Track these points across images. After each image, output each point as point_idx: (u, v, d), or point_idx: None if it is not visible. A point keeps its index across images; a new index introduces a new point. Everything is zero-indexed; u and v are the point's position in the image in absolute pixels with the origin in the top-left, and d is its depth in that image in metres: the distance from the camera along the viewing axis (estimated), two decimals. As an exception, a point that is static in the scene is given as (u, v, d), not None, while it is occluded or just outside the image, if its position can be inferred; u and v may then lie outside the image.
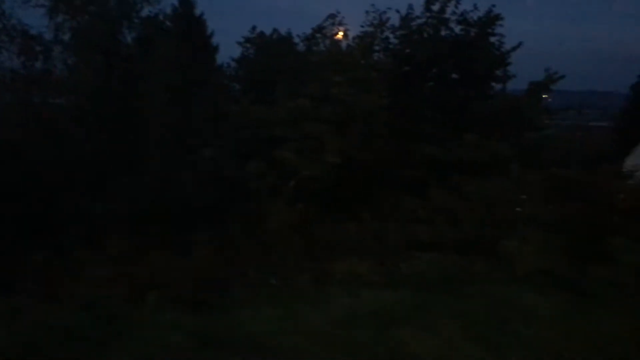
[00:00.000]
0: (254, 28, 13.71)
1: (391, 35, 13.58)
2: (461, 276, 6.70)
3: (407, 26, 13.32)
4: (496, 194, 9.13)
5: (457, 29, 13.04)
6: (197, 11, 14.22)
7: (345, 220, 9.56)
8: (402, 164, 10.79)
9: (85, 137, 11.44)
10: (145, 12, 12.88)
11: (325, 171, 10.26)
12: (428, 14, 13.11)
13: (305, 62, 13.04)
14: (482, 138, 11.00)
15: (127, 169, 10.68)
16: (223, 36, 15.96)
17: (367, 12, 13.43)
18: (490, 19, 12.73)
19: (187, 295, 6.01)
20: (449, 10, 12.90)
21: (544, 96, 13.65)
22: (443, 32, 13.10)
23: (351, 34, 13.75)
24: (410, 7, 13.20)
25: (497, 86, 13.58)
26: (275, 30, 13.85)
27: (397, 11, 13.50)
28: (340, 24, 13.50)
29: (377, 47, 13.49)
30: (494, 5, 12.84)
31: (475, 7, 12.86)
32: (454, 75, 13.43)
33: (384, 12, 13.28)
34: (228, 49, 14.38)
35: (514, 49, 13.07)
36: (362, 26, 13.50)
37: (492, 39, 13.14)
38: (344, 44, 13.51)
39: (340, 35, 14.09)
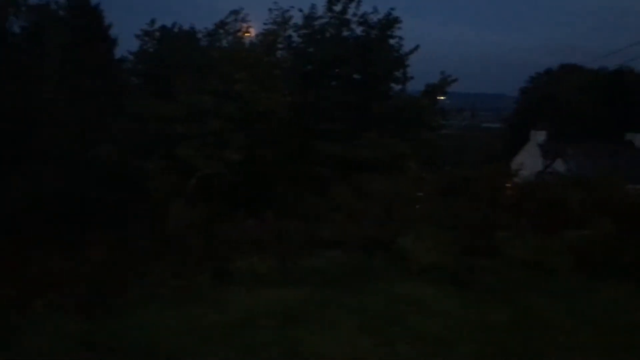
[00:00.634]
0: (152, 21, 13.29)
1: (294, 34, 13.69)
2: (360, 273, 6.83)
3: (310, 25, 13.46)
4: (395, 192, 9.41)
5: (359, 30, 13.36)
6: (94, 1, 13.55)
7: (247, 219, 9.49)
8: (305, 161, 10.89)
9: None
10: (34, -1, 12.10)
11: (227, 169, 10.15)
12: (330, 14, 13.32)
13: (208, 58, 12.82)
14: (382, 137, 11.34)
15: (14, 166, 10.00)
16: (125, 28, 15.33)
17: (270, 9, 13.45)
18: (390, 22, 13.15)
19: (78, 298, 5.70)
20: (350, 11, 13.19)
21: (440, 98, 14.30)
22: (345, 33, 13.36)
23: (254, 31, 13.71)
24: (313, 6, 13.36)
25: (397, 87, 14.08)
26: (175, 24, 13.50)
27: (300, 10, 13.63)
28: (243, 20, 13.39)
29: (280, 45, 13.53)
30: (392, 9, 13.29)
31: (376, 10, 13.25)
32: (356, 76, 13.74)
33: (287, 11, 13.34)
34: (130, 42, 13.80)
35: (412, 51, 13.59)
36: (265, 24, 13.52)
37: (392, 41, 13.59)
38: (247, 41, 13.44)
39: (245, 32, 13.98)
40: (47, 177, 9.76)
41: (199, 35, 13.92)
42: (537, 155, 35.85)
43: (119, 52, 14.21)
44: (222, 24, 13.42)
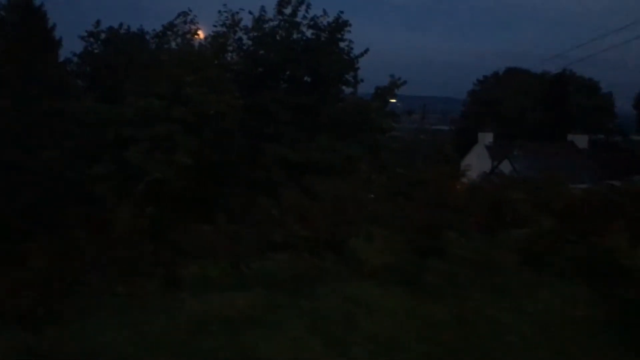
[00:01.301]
0: (98, 22, 12.95)
1: (244, 37, 13.64)
2: (312, 275, 6.84)
3: (260, 28, 13.45)
4: (346, 194, 9.46)
5: (309, 33, 13.42)
6: (37, 1, 13.11)
7: (198, 223, 9.37)
8: (256, 164, 10.84)
9: None
10: (-31, -2, 11.62)
11: (177, 173, 10.00)
12: (280, 17, 13.34)
13: (156, 60, 12.60)
14: (332, 139, 11.41)
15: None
16: (71, 30, 14.84)
17: (219, 12, 13.35)
18: (339, 25, 13.26)
19: (17, 310, 5.49)
20: (300, 14, 13.24)
21: (392, 101, 14.52)
22: (295, 36, 13.40)
23: (204, 34, 13.57)
24: (263, 9, 13.34)
25: (348, 90, 14.21)
26: (121, 25, 13.20)
27: (250, 12, 13.60)
28: (192, 22, 13.23)
29: (230, 48, 13.44)
30: (342, 12, 13.42)
31: (325, 13, 13.34)
32: (307, 78, 13.79)
33: (237, 13, 13.27)
34: (74, 44, 13.38)
35: (361, 54, 13.76)
36: (214, 26, 13.41)
37: (342, 44, 13.72)
38: (196, 43, 13.29)
39: (194, 34, 13.81)
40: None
41: (147, 37, 13.67)
42: (485, 156, 36.85)
43: (63, 54, 13.79)
44: (170, 26, 13.22)
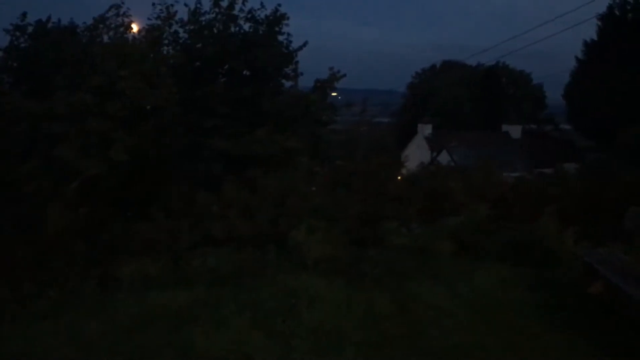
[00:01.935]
0: (24, 15, 12.36)
1: (181, 30, 13.34)
2: (253, 269, 6.83)
3: (197, 21, 13.20)
4: (287, 187, 9.47)
5: (246, 26, 13.28)
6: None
7: (136, 220, 9.15)
8: (195, 159, 10.67)
9: None
10: None
11: (112, 170, 9.71)
12: (217, 10, 13.13)
13: (88, 54, 12.15)
14: (273, 132, 11.35)
15: None
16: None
17: (153, 4, 13.00)
18: (277, 18, 13.19)
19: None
20: (237, 7, 13.07)
21: (333, 94, 14.57)
22: (232, 29, 13.23)
23: (138, 27, 13.19)
24: (199, 1, 13.10)
25: (287, 83, 14.16)
26: (50, 17, 12.67)
27: (186, 5, 13.29)
28: (124, 15, 12.84)
29: (165, 41, 13.13)
30: (279, 5, 13.35)
31: (263, 6, 13.23)
32: (246, 72, 13.65)
33: (172, 5, 12.97)
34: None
35: (300, 47, 13.73)
36: (149, 19, 13.04)
37: (280, 38, 13.64)
38: (130, 37, 12.92)
39: (127, 27, 13.41)
40: None
41: (78, 30, 13.17)
42: (424, 147, 37.69)
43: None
44: (102, 19, 12.76)
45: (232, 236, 8.30)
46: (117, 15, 13.07)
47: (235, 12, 13.16)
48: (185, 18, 13.22)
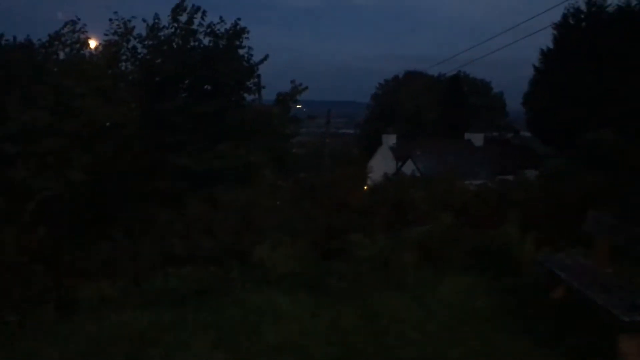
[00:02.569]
0: (-26, 32, 12.01)
1: (139, 45, 13.16)
2: (216, 287, 6.69)
3: (155, 36, 13.04)
4: (250, 202, 9.35)
5: (206, 40, 13.18)
6: None
7: (96, 241, 8.90)
8: (156, 176, 10.48)
9: None
10: None
11: (70, 189, 9.45)
12: (176, 25, 13.00)
13: (43, 72, 11.86)
14: (235, 147, 11.25)
15: None
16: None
17: (110, 20, 12.81)
18: (237, 32, 13.13)
19: None
20: (196, 21, 12.97)
21: (298, 106, 14.56)
22: (192, 44, 13.11)
23: (95, 43, 12.93)
24: (157, 16, 12.95)
25: (250, 97, 14.11)
26: (2, 35, 12.32)
27: (144, 20, 13.14)
28: (81, 31, 12.57)
29: (124, 57, 12.93)
30: (239, 19, 13.32)
31: (222, 20, 13.16)
32: (207, 86, 13.53)
33: (129, 21, 12.79)
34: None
35: (261, 61, 13.69)
36: (105, 34, 12.83)
37: (241, 52, 13.58)
38: (87, 53, 12.65)
39: (84, 43, 13.13)
40: None
41: (34, 48, 12.83)
42: (390, 157, 38.02)
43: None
44: (57, 36, 12.47)
45: (195, 254, 8.14)
46: (73, 31, 12.78)
47: (195, 26, 13.06)
48: (144, 33, 13.06)
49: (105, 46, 12.53)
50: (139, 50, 13.09)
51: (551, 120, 31.59)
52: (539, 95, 33.91)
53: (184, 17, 13.00)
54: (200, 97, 12.87)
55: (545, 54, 34.64)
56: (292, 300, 5.92)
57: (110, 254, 8.37)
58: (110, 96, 11.01)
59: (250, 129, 12.41)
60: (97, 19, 14.39)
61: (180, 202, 9.67)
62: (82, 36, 12.61)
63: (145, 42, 13.07)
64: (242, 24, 13.38)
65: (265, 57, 13.73)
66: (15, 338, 5.63)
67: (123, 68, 12.96)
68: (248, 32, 13.27)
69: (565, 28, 33.12)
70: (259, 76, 14.52)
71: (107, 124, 10.62)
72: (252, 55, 13.61)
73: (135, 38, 13.01)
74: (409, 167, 32.13)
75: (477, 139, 40.87)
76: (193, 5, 13.03)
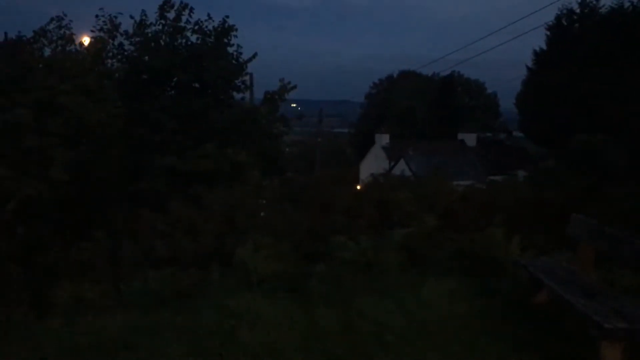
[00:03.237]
0: (-43, 28, 11.81)
1: (126, 42, 13.02)
2: (196, 290, 6.59)
3: (142, 33, 12.90)
4: (235, 202, 9.24)
5: (194, 38, 13.05)
6: None
7: (77, 242, 8.76)
8: (140, 176, 10.33)
9: None
10: None
11: (51, 189, 9.30)
12: (163, 22, 12.86)
13: (27, 68, 11.68)
14: (221, 147, 11.12)
15: None
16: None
17: (97, 16, 12.66)
18: (225, 30, 12.99)
19: None
20: (184, 18, 12.84)
21: (292, 105, 14.43)
22: (180, 41, 12.98)
23: (80, 39, 12.77)
24: (144, 13, 12.81)
25: (239, 95, 13.98)
26: (-16, 31, 12.13)
27: (132, 17, 13.01)
28: (66, 27, 12.41)
29: (110, 54, 12.78)
30: (227, 16, 13.19)
31: (210, 17, 13.03)
32: (196, 85, 13.39)
33: (115, 17, 12.64)
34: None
35: (250, 59, 13.56)
36: (92, 31, 12.67)
37: (230, 50, 13.44)
38: (72, 49, 12.49)
39: (69, 40, 12.95)
40: None
41: (17, 43, 12.64)
42: (382, 157, 37.89)
43: None
44: (42, 32, 12.31)
45: (177, 256, 8.02)
46: (59, 27, 12.61)
47: (182, 23, 12.93)
48: (131, 30, 12.91)
49: (90, 43, 12.37)
50: (126, 47, 12.96)
51: (543, 121, 31.59)
52: (531, 96, 33.91)
53: (171, 14, 12.88)
54: (188, 95, 12.73)
55: (538, 55, 34.64)
56: (271, 303, 5.80)
57: (90, 254, 8.26)
58: (95, 94, 10.84)
59: (237, 128, 12.28)
60: (83, 15, 14.22)
61: (163, 203, 9.55)
62: (67, 32, 12.45)
63: (132, 39, 12.93)
64: (232, 22, 13.27)
65: (254, 55, 13.63)
66: (-12, 342, 5.48)
67: (109, 65, 12.80)
68: (236, 30, 13.15)
69: (558, 29, 33.13)
70: (249, 74, 14.38)
71: (91, 122, 10.45)
72: (241, 53, 13.51)
73: (121, 35, 12.88)
74: (401, 167, 32.07)
75: (470, 139, 40.83)
76: (181, 2, 12.90)
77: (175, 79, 13.33)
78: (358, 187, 11.68)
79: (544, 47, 34.31)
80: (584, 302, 4.73)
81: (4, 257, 7.90)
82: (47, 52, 12.69)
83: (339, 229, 7.91)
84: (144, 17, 12.82)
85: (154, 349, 5.00)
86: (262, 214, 9.36)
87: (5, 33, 12.33)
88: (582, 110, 27.13)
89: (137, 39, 13.01)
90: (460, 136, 41.24)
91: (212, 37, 13.03)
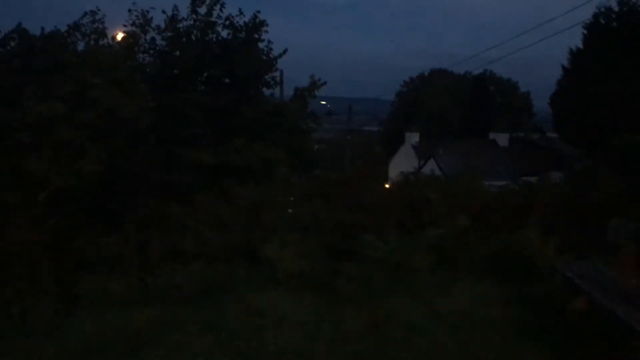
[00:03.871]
0: (-6, 21, 11.99)
1: (158, 37, 13.05)
2: (221, 285, 6.52)
3: (174, 27, 12.90)
4: (263, 198, 9.15)
5: (225, 33, 13.01)
6: None
7: (106, 234, 8.78)
8: (169, 169, 10.32)
9: None
10: None
11: (83, 181, 9.34)
12: (194, 17, 12.85)
13: (60, 62, 11.78)
14: (250, 142, 11.05)
15: None
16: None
17: (129, 10, 12.71)
18: (256, 25, 12.91)
19: None
20: (215, 13, 12.80)
21: (322, 102, 14.30)
22: (211, 36, 12.95)
23: (113, 34, 12.84)
24: (176, 7, 12.82)
25: (269, 91, 13.89)
26: (20, 24, 12.25)
27: (164, 12, 13.02)
28: (100, 22, 12.47)
29: (142, 48, 12.82)
30: (258, 11, 13.08)
31: (241, 12, 12.96)
32: (226, 80, 13.34)
33: (147, 12, 12.67)
34: None
35: (281, 54, 13.44)
36: (124, 25, 12.73)
37: (261, 45, 13.35)
38: (105, 43, 12.56)
39: (102, 34, 13.04)
40: None
41: (51, 37, 12.77)
42: (412, 156, 37.52)
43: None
44: (76, 26, 12.39)
45: (204, 250, 7.97)
46: (93, 22, 12.69)
47: (214, 18, 12.88)
48: (163, 25, 12.92)
49: (123, 37, 12.43)
50: (158, 42, 12.98)
51: (579, 121, 30.82)
52: (567, 96, 33.11)
53: (203, 9, 12.84)
54: (218, 91, 12.69)
55: (575, 54, 33.80)
56: (297, 302, 5.70)
57: (118, 247, 8.26)
58: (127, 88, 10.87)
59: (267, 123, 12.19)
60: (116, 10, 14.28)
61: (191, 197, 9.52)
62: (101, 27, 12.51)
63: (164, 34, 12.94)
64: (262, 17, 13.16)
65: (285, 51, 13.49)
66: (12, 332, 5.50)
67: (141, 60, 12.85)
68: (267, 25, 13.05)
69: (596, 28, 32.26)
70: (279, 70, 14.25)
71: (122, 115, 10.47)
72: (271, 49, 13.37)
73: (153, 29, 12.89)
74: (431, 166, 31.68)
75: (502, 139, 40.12)
76: (213, -3, 12.85)
77: (205, 74, 13.30)
78: (386, 186, 11.45)
79: (581, 46, 33.46)
80: (626, 309, 4.49)
81: (35, 248, 7.93)
82: (81, 46, 12.76)
83: (367, 227, 7.74)
84: (175, 12, 12.82)
85: (178, 344, 4.94)
86: (289, 210, 9.25)
87: (42, 28, 12.43)
88: (619, 111, 26.35)
89: (169, 34, 13.01)
90: (491, 136, 40.56)
91: (243, 32, 12.95)
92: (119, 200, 9.73)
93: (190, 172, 10.39)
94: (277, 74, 13.79)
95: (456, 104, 45.02)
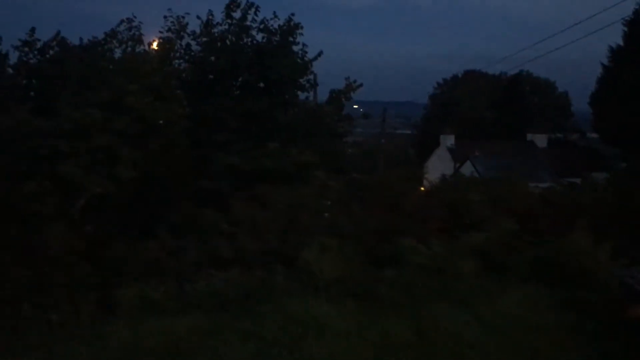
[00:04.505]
0: (32, 30, 12.17)
1: (193, 42, 13.08)
2: (259, 292, 6.35)
3: (209, 33, 12.92)
4: (299, 202, 9.01)
5: (259, 37, 12.95)
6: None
7: (142, 240, 8.77)
8: (204, 175, 10.28)
9: None
10: None
11: (119, 187, 9.36)
12: (229, 21, 12.84)
13: (96, 69, 11.89)
14: (286, 146, 10.94)
15: None
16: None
17: (165, 17, 12.78)
18: (290, 28, 12.81)
19: None
20: (249, 17, 12.76)
21: (355, 106, 14.10)
22: (245, 40, 12.91)
23: (149, 40, 12.93)
24: (211, 12, 12.84)
25: (303, 94, 13.77)
26: (58, 33, 12.44)
27: (198, 17, 13.06)
28: (136, 29, 12.58)
29: (177, 54, 12.87)
30: (293, 14, 12.99)
31: (276, 16, 12.89)
32: (261, 84, 13.27)
33: (183, 17, 12.71)
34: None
35: (315, 57, 13.30)
36: (160, 32, 12.80)
37: (295, 48, 13.24)
38: (141, 50, 12.65)
39: (138, 41, 13.13)
40: None
41: (88, 45, 12.93)
42: (447, 158, 36.99)
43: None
44: (113, 34, 12.52)
45: (241, 256, 7.85)
46: (129, 29, 12.80)
47: (248, 22, 12.85)
48: (198, 30, 12.96)
49: (159, 44, 12.50)
50: (193, 47, 13.02)
51: (620, 121, 29.88)
52: (608, 95, 32.17)
53: (237, 14, 12.83)
54: (252, 95, 12.62)
55: (615, 52, 32.83)
56: (339, 310, 5.49)
57: (154, 253, 8.21)
58: (162, 94, 10.89)
59: (302, 127, 12.06)
60: (151, 16, 14.40)
61: (226, 202, 9.44)
62: (137, 34, 12.62)
63: (199, 39, 12.97)
64: (296, 20, 13.06)
65: (320, 54, 13.36)
66: (52, 338, 5.47)
67: (176, 65, 12.89)
68: (302, 28, 12.94)
69: (637, 24, 31.27)
70: (313, 74, 14.11)
71: (157, 121, 10.49)
72: (306, 52, 13.25)
73: (189, 35, 12.93)
74: (467, 169, 31.12)
75: (540, 139, 39.23)
76: (247, 1, 12.83)
77: (240, 79, 13.25)
78: (422, 189, 11.20)
79: (621, 43, 32.48)
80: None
81: (73, 255, 7.95)
82: (118, 53, 12.88)
83: (407, 231, 7.51)
84: (210, 17, 12.84)
85: (217, 354, 4.81)
86: (326, 214, 9.09)
87: (80, 38, 12.62)
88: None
89: (204, 39, 13.04)
90: (529, 137, 39.70)
91: (278, 36, 12.87)
92: (154, 206, 9.74)
93: (225, 177, 10.32)
94: (311, 77, 13.67)
95: (491, 105, 44.25)
